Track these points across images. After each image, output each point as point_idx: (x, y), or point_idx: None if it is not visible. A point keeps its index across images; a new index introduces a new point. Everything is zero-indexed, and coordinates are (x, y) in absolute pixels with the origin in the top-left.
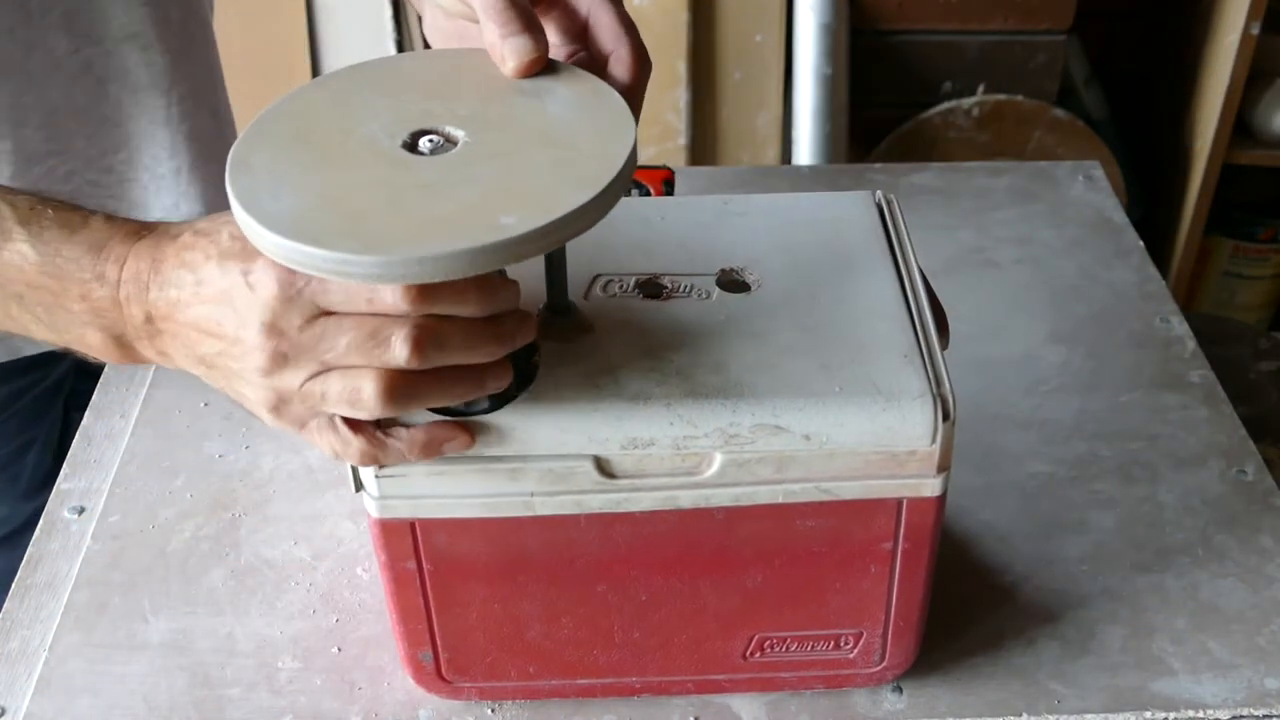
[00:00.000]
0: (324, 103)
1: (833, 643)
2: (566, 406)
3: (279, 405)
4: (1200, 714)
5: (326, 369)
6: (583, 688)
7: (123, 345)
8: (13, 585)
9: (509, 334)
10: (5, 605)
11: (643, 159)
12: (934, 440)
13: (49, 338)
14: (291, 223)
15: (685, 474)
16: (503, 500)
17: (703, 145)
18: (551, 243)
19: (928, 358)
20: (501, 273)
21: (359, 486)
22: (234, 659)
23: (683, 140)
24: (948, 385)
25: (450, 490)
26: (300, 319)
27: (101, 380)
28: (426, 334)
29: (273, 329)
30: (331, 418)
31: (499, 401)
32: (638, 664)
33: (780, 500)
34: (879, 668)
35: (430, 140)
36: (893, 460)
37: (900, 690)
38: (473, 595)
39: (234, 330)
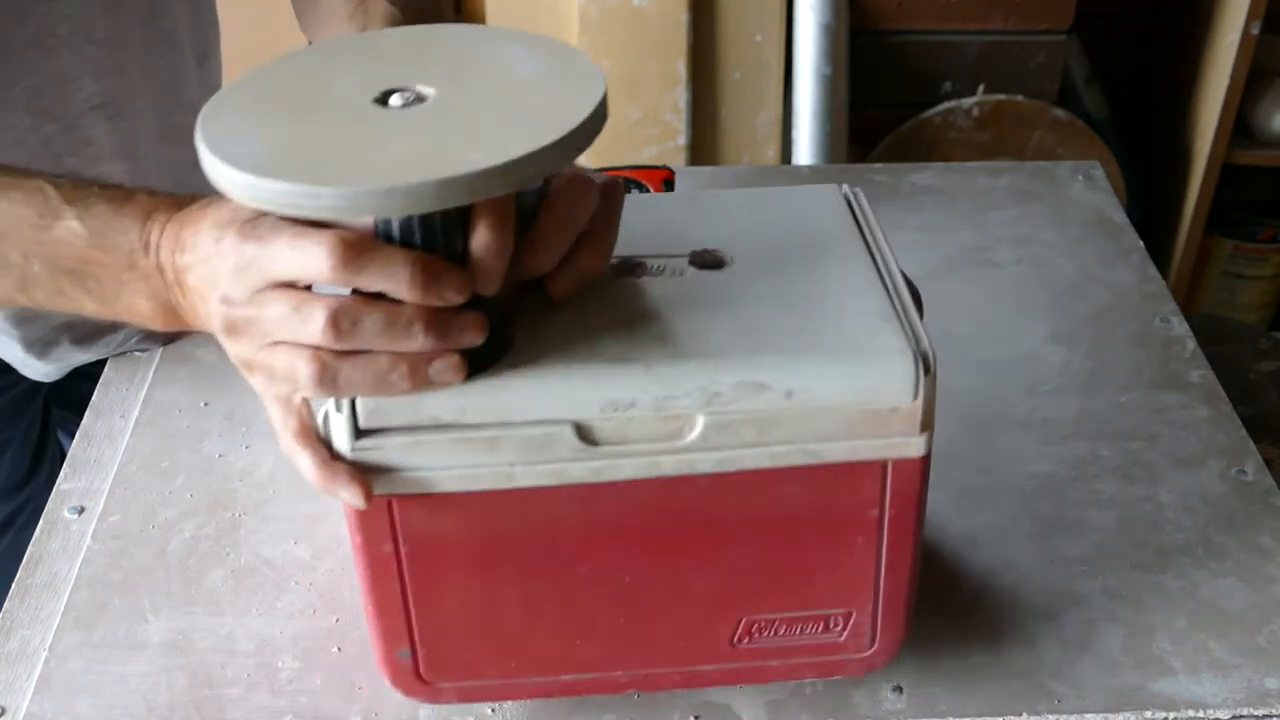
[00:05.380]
0: (299, 67)
1: (822, 624)
2: (544, 371)
3: (249, 371)
4: (1200, 714)
5: (273, 343)
6: (566, 684)
7: (169, 310)
8: (13, 585)
9: (444, 323)
10: (5, 605)
11: (643, 159)
12: (916, 395)
13: (100, 311)
14: (255, 162)
15: (667, 439)
16: (482, 471)
17: (703, 145)
18: (512, 181)
19: (905, 319)
20: (459, 262)
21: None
22: (234, 659)
23: (682, 140)
24: (927, 342)
25: (428, 462)
26: (248, 290)
27: (101, 380)
28: (344, 309)
29: (225, 298)
30: (278, 396)
31: (473, 370)
32: (623, 656)
33: (765, 464)
34: (870, 652)
35: (401, 96)
36: (875, 418)
37: (900, 690)
38: (451, 582)
39: (208, 292)
